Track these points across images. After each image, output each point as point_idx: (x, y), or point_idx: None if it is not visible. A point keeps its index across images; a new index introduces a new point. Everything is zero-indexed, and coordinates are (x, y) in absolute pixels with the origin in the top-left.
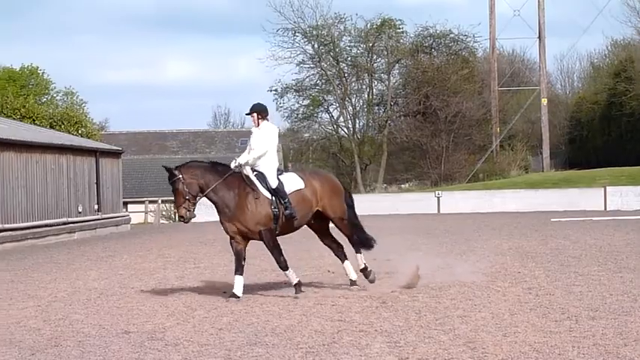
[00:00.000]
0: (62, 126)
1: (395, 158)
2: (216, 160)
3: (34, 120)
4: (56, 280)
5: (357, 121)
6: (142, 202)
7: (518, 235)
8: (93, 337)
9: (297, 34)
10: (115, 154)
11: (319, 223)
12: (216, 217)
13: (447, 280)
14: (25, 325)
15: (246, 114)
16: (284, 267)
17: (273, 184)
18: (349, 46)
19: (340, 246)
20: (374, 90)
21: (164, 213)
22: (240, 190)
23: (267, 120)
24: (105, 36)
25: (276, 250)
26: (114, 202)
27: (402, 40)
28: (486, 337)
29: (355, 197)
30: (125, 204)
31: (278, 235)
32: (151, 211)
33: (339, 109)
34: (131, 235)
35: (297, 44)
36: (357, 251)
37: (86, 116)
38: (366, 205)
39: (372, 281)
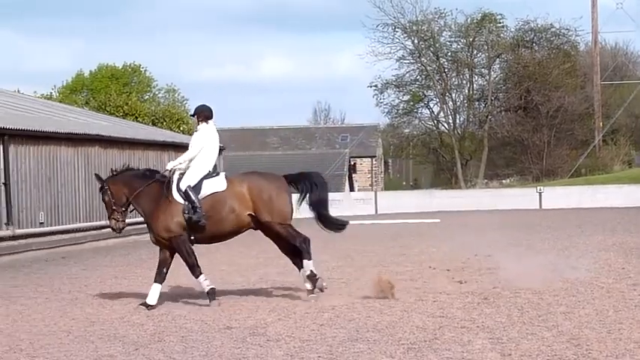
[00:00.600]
0: (164, 123)
1: (496, 153)
2: (151, 169)
3: (136, 117)
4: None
5: (458, 117)
6: None
7: (621, 230)
8: (195, 333)
9: (396, 29)
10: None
11: (263, 227)
12: (311, 214)
13: (549, 276)
14: (128, 320)
15: (191, 115)
16: (196, 275)
17: (183, 186)
18: (449, 41)
19: (297, 255)
20: (474, 85)
21: None
22: (157, 196)
23: (208, 122)
24: (206, 33)
25: (189, 259)
26: None
27: (502, 35)
28: (590, 334)
29: (456, 193)
30: None
31: (201, 243)
32: None
33: (439, 104)
34: None
35: (397, 40)
36: (305, 258)
37: (187, 113)
38: (467, 200)
39: (320, 289)
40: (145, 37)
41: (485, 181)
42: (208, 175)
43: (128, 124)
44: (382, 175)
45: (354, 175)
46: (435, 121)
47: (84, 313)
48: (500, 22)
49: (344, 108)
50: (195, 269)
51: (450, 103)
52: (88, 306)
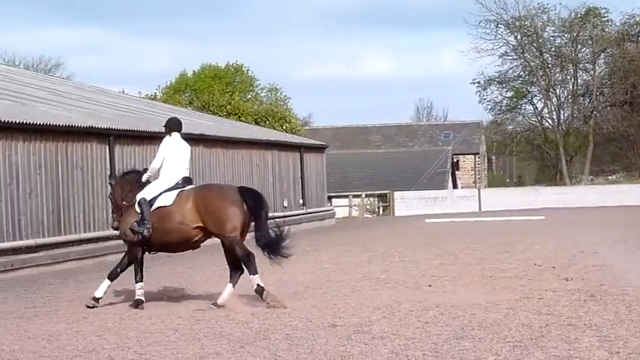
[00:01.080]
0: (267, 122)
1: (601, 149)
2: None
3: (239, 116)
4: (263, 274)
5: (562, 112)
6: (346, 197)
7: None
8: (300, 330)
9: (499, 25)
10: (319, 149)
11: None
12: (416, 211)
13: None
14: (233, 318)
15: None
16: (111, 277)
17: (139, 197)
18: (553, 37)
19: (237, 271)
20: (579, 80)
21: (368, 207)
22: (133, 201)
23: (172, 135)
24: (309, 32)
25: (129, 264)
26: (318, 196)
27: (607, 29)
28: None
29: (561, 189)
30: (329, 198)
31: (155, 251)
32: (355, 205)
33: (543, 100)
34: (336, 229)
35: (500, 36)
36: (251, 273)
37: (290, 112)
38: (572, 197)
39: (268, 303)
40: (248, 37)
41: (591, 177)
42: (174, 187)
43: (231, 124)
44: (485, 172)
45: (457, 173)
46: (539, 117)
47: (190, 311)
48: (604, 17)
49: (446, 105)
50: (135, 275)
51: (554, 98)
52: (194, 304)
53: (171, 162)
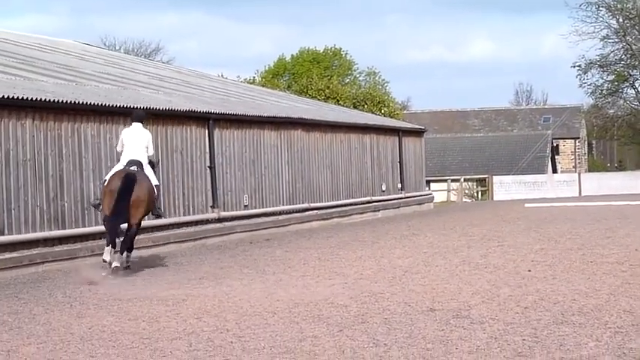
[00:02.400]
0: (365, 106)
1: None
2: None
3: (337, 100)
4: (362, 258)
5: None
6: (445, 181)
7: None
8: (398, 315)
9: (600, 8)
10: (418, 133)
11: None
12: (515, 196)
13: None
14: (332, 302)
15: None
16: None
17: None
18: None
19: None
20: None
21: (467, 191)
22: None
23: (132, 124)
24: (409, 16)
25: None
26: (417, 180)
27: None
28: None
29: None
30: (428, 182)
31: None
32: (453, 190)
33: None
34: (434, 213)
35: (601, 19)
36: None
37: (388, 96)
38: None
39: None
40: (346, 21)
41: None
42: (122, 169)
43: (330, 107)
44: (586, 157)
45: (556, 157)
46: None
47: (288, 295)
48: None
49: (546, 89)
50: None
51: None
52: (292, 287)
53: (126, 148)
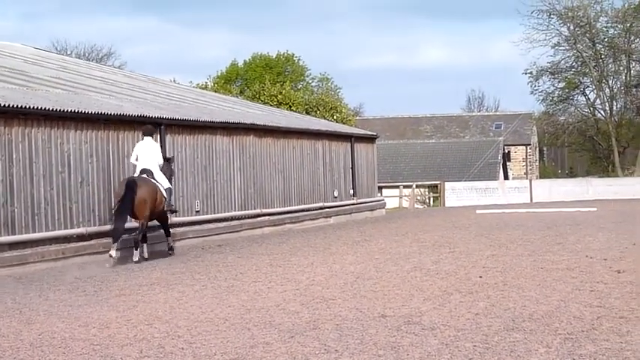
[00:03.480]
0: (318, 112)
1: None
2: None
3: (290, 106)
4: (313, 264)
5: (615, 104)
6: (397, 187)
7: None
8: (350, 321)
9: (552, 15)
10: (370, 139)
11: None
12: (467, 202)
13: None
14: (284, 308)
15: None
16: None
17: None
18: (606, 27)
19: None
20: (632, 71)
21: (419, 197)
22: None
23: (144, 138)
24: (360, 22)
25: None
26: (369, 186)
27: None
28: None
29: (613, 181)
30: (380, 189)
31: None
32: (405, 196)
33: (595, 91)
34: (386, 219)
35: (553, 26)
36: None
37: (341, 102)
38: (625, 189)
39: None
40: (299, 27)
41: None
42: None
43: (282, 113)
44: (537, 163)
45: (508, 164)
46: (592, 109)
47: (240, 301)
48: None
49: (498, 95)
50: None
51: (607, 89)
52: (244, 293)
53: (139, 159)
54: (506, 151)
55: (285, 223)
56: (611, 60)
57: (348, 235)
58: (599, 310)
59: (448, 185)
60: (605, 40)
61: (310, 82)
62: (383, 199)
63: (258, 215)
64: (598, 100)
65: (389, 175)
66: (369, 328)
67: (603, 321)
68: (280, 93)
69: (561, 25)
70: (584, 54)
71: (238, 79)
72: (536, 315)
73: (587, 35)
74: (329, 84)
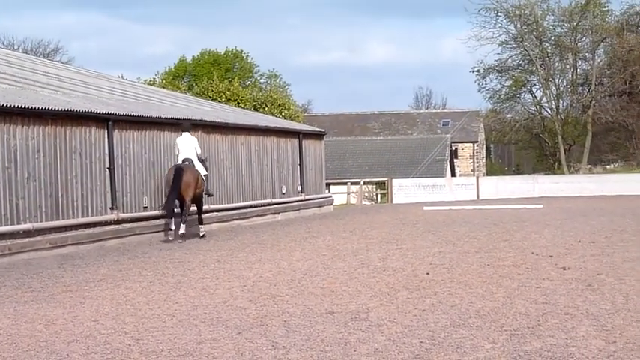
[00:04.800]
0: (266, 108)
1: (599, 139)
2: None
3: (238, 103)
4: (261, 261)
5: (561, 102)
6: (345, 184)
7: None
8: (297, 317)
9: (499, 14)
10: (318, 136)
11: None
12: (415, 199)
13: None
14: (231, 304)
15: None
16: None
17: None
18: (552, 26)
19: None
20: (578, 70)
21: (366, 194)
22: None
23: (182, 134)
24: (309, 18)
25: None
26: (317, 183)
27: (607, 19)
28: None
29: (559, 178)
30: (328, 185)
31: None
32: (353, 193)
33: (542, 89)
34: (334, 216)
35: (500, 24)
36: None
37: (289, 98)
38: (570, 186)
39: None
40: (248, 23)
41: (589, 166)
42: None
43: (230, 110)
44: (484, 161)
45: (455, 161)
46: (538, 107)
47: (187, 297)
48: (604, 6)
49: (445, 93)
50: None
51: (553, 88)
52: (191, 290)
53: (180, 150)
54: (454, 148)
55: (233, 220)
56: (557, 58)
57: (295, 232)
58: (544, 306)
59: (396, 182)
60: (552, 38)
61: (259, 78)
62: (331, 196)
63: (207, 211)
64: (544, 98)
65: (337, 171)
66: (316, 324)
67: (549, 317)
68: (228, 89)
69: (508, 23)
70: (531, 52)
71: (187, 75)
72: (482, 311)
73: (534, 33)
74: (277, 80)
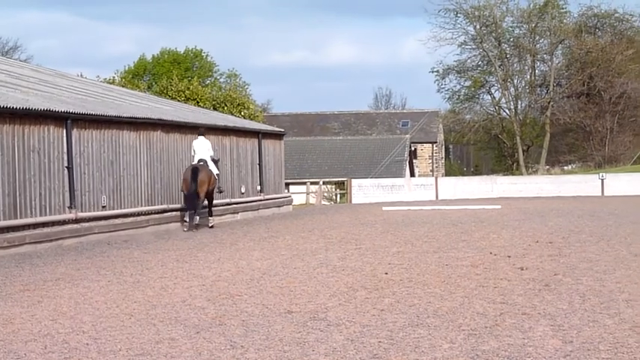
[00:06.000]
0: (225, 108)
1: (557, 140)
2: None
3: (197, 102)
4: (220, 260)
5: (519, 103)
6: (304, 184)
7: None
8: (256, 317)
9: (459, 15)
10: (278, 136)
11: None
12: (374, 199)
13: (611, 263)
14: (190, 303)
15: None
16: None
17: None
18: (511, 27)
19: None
20: (536, 71)
21: (325, 194)
22: None
23: (198, 137)
24: (269, 18)
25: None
26: (276, 183)
27: (565, 21)
28: None
29: (517, 179)
30: (287, 185)
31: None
32: (312, 192)
33: (500, 90)
34: (293, 216)
35: (459, 25)
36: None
37: (249, 98)
38: (529, 187)
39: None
40: (208, 23)
41: (547, 167)
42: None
43: (190, 109)
44: (443, 161)
45: (414, 161)
46: (497, 107)
47: (146, 297)
48: (563, 8)
49: (405, 93)
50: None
51: (512, 89)
52: (150, 289)
53: (196, 152)
54: (413, 148)
55: None
56: (516, 59)
57: (255, 231)
58: (502, 306)
59: (355, 182)
60: (511, 39)
61: (218, 78)
62: (290, 196)
63: (165, 211)
64: (503, 99)
65: (296, 171)
66: (274, 324)
67: (506, 317)
68: (188, 88)
69: (468, 24)
70: (490, 53)
71: (146, 75)
72: (440, 311)
73: (493, 35)
74: (237, 80)
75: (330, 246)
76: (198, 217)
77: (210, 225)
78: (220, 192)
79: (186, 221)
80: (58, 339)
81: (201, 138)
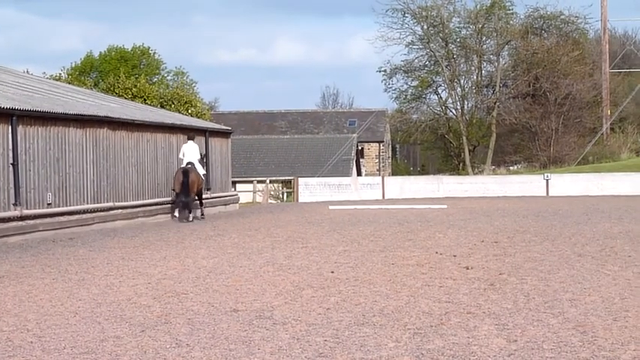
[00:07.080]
0: (172, 105)
1: (503, 140)
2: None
3: (145, 99)
4: (166, 258)
5: (466, 103)
6: (251, 182)
7: (628, 218)
8: (202, 315)
9: (406, 15)
10: (225, 134)
11: None
12: (320, 198)
13: (555, 263)
14: (135, 301)
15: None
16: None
17: None
18: (458, 28)
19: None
20: (483, 71)
21: (272, 193)
22: None
23: (187, 142)
24: (216, 16)
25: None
26: (223, 181)
27: (511, 22)
28: (596, 321)
29: (463, 179)
30: (234, 183)
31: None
32: (259, 191)
33: (447, 90)
34: (239, 214)
35: (407, 25)
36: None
37: (196, 96)
38: (474, 187)
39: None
40: (155, 20)
41: (493, 167)
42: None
43: (137, 106)
44: (390, 161)
45: (361, 160)
46: (443, 107)
47: (91, 294)
48: (509, 9)
49: (352, 93)
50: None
51: (459, 89)
52: (95, 287)
53: (185, 155)
54: (360, 147)
55: (138, 217)
56: (463, 60)
57: (201, 229)
58: (447, 305)
59: (302, 181)
60: (458, 40)
61: (166, 75)
62: (237, 194)
63: (111, 208)
64: (450, 99)
65: (243, 169)
66: (220, 322)
67: (451, 316)
68: (135, 86)
69: (415, 24)
70: (437, 53)
71: (93, 71)
72: (386, 310)
73: (441, 35)
74: (184, 78)
75: (277, 245)
76: (190, 214)
77: (201, 213)
78: (208, 189)
79: (176, 215)
80: (1, 337)
81: (190, 142)
